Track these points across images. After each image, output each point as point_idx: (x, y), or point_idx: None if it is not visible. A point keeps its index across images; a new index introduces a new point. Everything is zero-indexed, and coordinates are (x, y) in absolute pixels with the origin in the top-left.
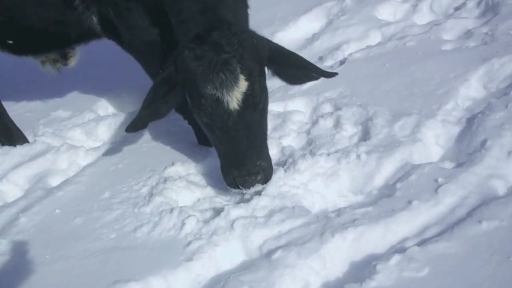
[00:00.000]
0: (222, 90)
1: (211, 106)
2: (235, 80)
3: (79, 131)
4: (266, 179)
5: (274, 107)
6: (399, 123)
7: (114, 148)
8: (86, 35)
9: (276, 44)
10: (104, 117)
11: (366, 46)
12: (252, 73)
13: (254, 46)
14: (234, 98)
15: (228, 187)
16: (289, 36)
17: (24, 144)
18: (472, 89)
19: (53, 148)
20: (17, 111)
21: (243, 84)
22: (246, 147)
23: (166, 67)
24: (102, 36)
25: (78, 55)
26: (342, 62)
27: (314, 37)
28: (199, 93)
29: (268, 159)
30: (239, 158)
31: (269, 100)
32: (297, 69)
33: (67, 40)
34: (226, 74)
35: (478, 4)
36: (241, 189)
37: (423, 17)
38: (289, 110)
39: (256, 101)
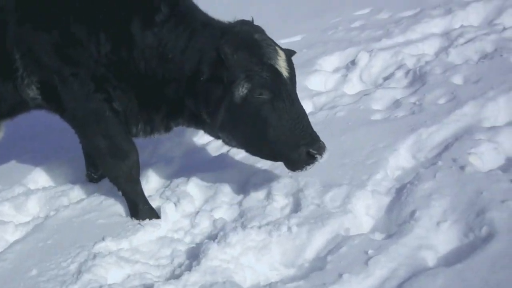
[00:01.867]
0: (275, 61)
1: (273, 77)
2: (276, 51)
3: (8, 206)
4: None
5: (205, 178)
6: (330, 194)
7: (44, 223)
8: (17, 108)
9: None
10: (34, 190)
11: None
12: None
13: None
14: (283, 68)
15: (301, 169)
16: None
17: None
18: (401, 159)
19: None
20: None
21: (281, 53)
22: (304, 114)
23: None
24: (35, 107)
25: (3, 131)
26: None
27: None
28: (261, 68)
29: None
30: (303, 127)
31: (200, 172)
32: None
33: None
34: (270, 47)
35: (406, 74)
36: (316, 158)
37: (353, 87)
38: (221, 182)
39: (292, 65)
